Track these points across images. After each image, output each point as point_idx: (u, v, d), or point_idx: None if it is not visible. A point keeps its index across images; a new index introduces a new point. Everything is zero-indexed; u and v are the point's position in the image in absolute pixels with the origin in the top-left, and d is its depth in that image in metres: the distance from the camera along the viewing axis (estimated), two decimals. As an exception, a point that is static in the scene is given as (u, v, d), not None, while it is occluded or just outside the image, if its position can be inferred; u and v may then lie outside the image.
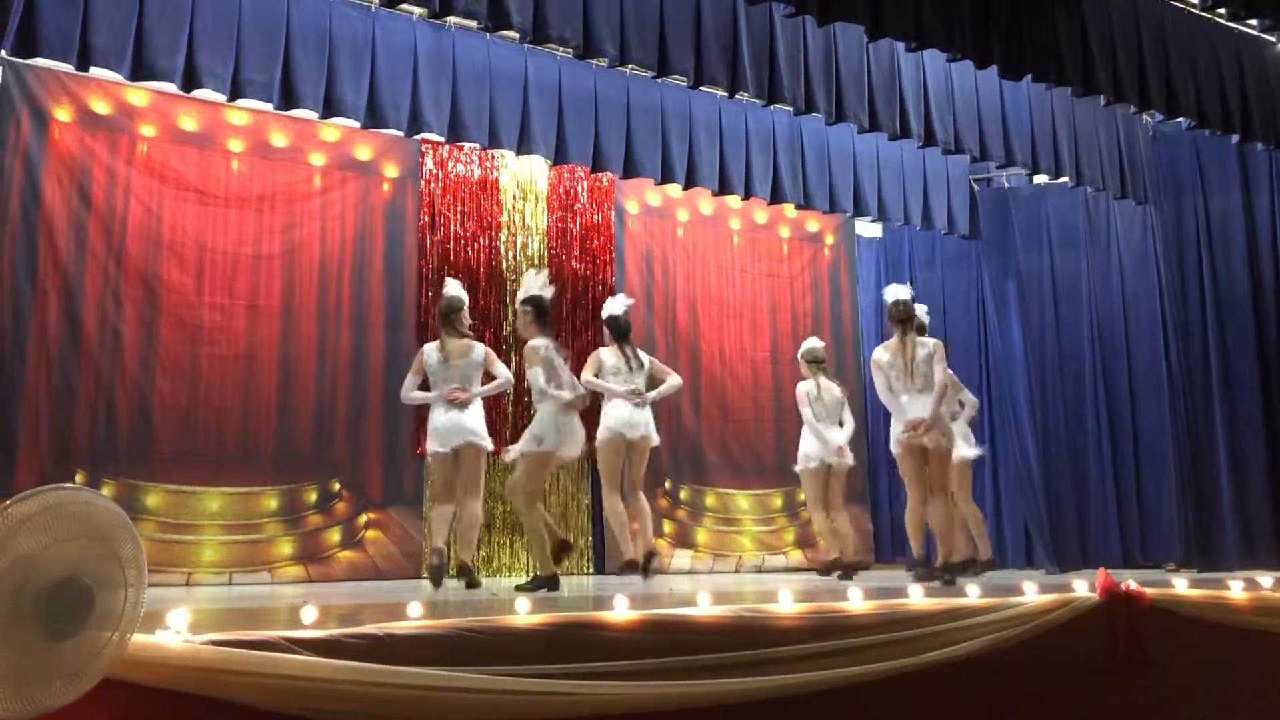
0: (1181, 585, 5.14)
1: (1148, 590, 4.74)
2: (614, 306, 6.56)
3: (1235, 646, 4.90)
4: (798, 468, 7.25)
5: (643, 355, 6.50)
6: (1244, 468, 7.41)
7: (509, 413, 7.68)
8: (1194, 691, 4.70)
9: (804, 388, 7.29)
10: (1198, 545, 7.39)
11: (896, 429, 6.08)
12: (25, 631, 2.41)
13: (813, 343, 7.49)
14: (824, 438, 7.07)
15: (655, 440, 6.35)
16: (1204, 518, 7.43)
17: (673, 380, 6.46)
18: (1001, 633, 4.22)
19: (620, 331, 6.46)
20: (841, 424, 7.23)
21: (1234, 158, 7.68)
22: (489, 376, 6.07)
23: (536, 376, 5.69)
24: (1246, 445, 7.44)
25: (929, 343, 6.12)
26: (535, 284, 6.02)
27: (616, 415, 6.23)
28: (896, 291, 6.29)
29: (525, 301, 5.95)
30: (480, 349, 6.09)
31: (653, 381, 6.45)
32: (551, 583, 5.54)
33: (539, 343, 5.77)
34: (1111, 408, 8.17)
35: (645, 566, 6.07)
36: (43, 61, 6.02)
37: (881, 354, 6.17)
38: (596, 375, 6.27)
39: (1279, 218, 7.55)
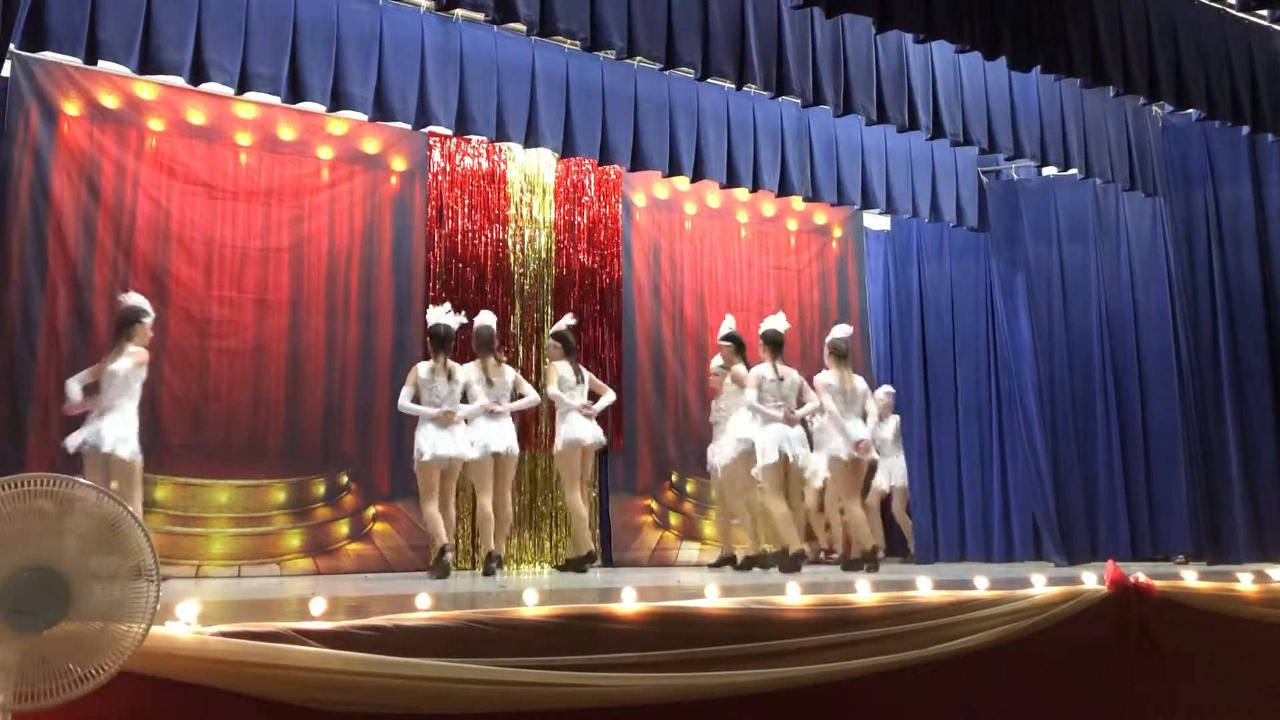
0: (1191, 578, 5.13)
1: (1157, 583, 4.73)
2: (565, 323, 7.26)
3: (1245, 639, 4.89)
4: (715, 462, 7.61)
5: (583, 370, 7.20)
6: (1254, 459, 7.39)
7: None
8: (1203, 684, 4.70)
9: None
10: (1207, 537, 7.37)
11: (840, 443, 6.89)
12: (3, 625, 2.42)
13: (720, 361, 7.74)
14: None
15: (603, 441, 7.19)
16: (1214, 510, 7.40)
17: (609, 395, 7.25)
18: (1010, 625, 4.22)
19: (570, 347, 7.15)
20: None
21: (1244, 149, 7.64)
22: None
23: (403, 395, 6.59)
24: (1256, 437, 7.41)
25: (861, 379, 7.20)
26: (437, 313, 6.80)
27: (574, 426, 6.97)
28: (843, 330, 7.28)
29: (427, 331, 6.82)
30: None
31: (591, 395, 7.15)
32: (437, 569, 6.39)
33: (418, 365, 6.70)
34: (1120, 400, 8.14)
35: (583, 562, 6.90)
36: (51, 55, 6.01)
37: (830, 379, 7.02)
38: (558, 389, 6.99)
39: (1290, 209, 7.54)
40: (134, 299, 6.15)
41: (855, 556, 6.97)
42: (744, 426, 7.09)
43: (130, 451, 5.78)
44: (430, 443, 6.47)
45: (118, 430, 5.76)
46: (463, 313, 7.00)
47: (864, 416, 7.05)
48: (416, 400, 6.58)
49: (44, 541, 2.48)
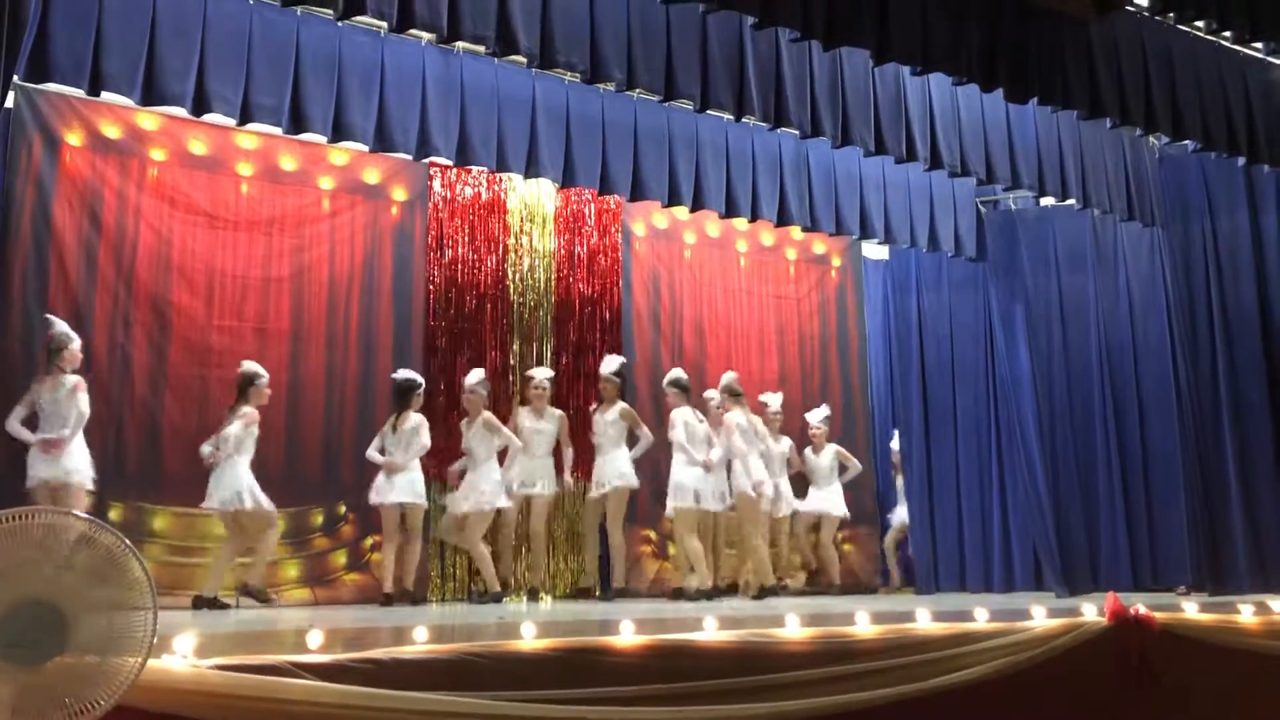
0: (1191, 609, 5.12)
1: (1157, 614, 4.72)
2: (403, 372, 7.25)
3: (1246, 671, 4.87)
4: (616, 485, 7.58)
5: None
6: (1254, 490, 7.38)
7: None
8: (1204, 717, 4.67)
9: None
10: (1208, 568, 7.34)
11: (747, 482, 7.45)
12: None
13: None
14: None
15: (423, 504, 7.12)
16: (1215, 540, 7.38)
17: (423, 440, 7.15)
18: (1010, 657, 4.21)
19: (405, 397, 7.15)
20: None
21: (1240, 179, 7.68)
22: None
23: (373, 445, 7.09)
24: (1257, 467, 7.40)
25: (759, 419, 7.89)
26: (402, 371, 7.20)
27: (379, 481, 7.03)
28: (731, 374, 7.89)
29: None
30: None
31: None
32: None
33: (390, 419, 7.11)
34: (1120, 430, 8.13)
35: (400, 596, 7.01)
36: (54, 86, 6.06)
37: (739, 420, 7.58)
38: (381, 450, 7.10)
39: (1286, 239, 7.56)
40: (250, 366, 6.71)
41: (767, 585, 7.52)
42: (623, 459, 7.50)
43: (240, 503, 6.41)
44: (376, 489, 6.95)
45: (233, 485, 6.39)
46: (465, 345, 7.31)
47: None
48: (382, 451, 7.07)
49: (41, 575, 2.47)
